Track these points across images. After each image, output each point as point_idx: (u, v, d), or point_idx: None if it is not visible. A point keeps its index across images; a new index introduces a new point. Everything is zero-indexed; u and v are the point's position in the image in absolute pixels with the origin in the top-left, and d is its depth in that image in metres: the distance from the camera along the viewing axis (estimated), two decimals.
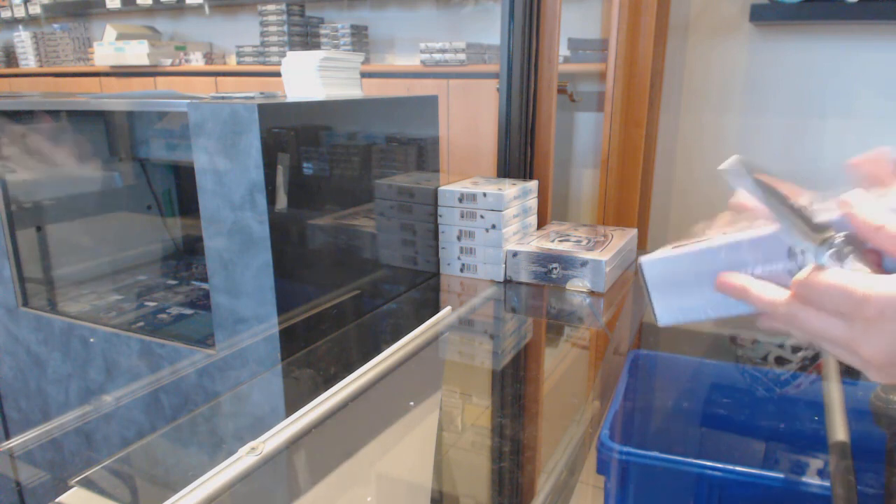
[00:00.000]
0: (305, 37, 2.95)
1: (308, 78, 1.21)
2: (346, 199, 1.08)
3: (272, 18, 2.90)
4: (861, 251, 0.40)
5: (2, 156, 1.26)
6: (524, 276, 1.23)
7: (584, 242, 1.26)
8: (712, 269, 0.47)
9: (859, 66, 1.98)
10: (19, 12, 3.81)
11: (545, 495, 0.65)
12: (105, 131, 1.49)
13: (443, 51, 2.49)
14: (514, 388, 0.96)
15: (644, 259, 0.52)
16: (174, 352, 1.09)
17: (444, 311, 1.09)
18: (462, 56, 2.47)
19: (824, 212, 0.42)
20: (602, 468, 0.68)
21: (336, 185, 1.05)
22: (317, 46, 2.92)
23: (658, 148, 2.29)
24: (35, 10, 3.75)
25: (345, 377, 0.82)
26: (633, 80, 1.97)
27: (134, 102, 1.30)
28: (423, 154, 1.29)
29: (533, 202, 1.37)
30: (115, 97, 1.31)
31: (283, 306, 0.94)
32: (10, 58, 4.00)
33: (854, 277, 0.39)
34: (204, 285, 1.42)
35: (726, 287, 0.47)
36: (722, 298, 0.47)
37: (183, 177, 1.65)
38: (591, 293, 1.18)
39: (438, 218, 1.28)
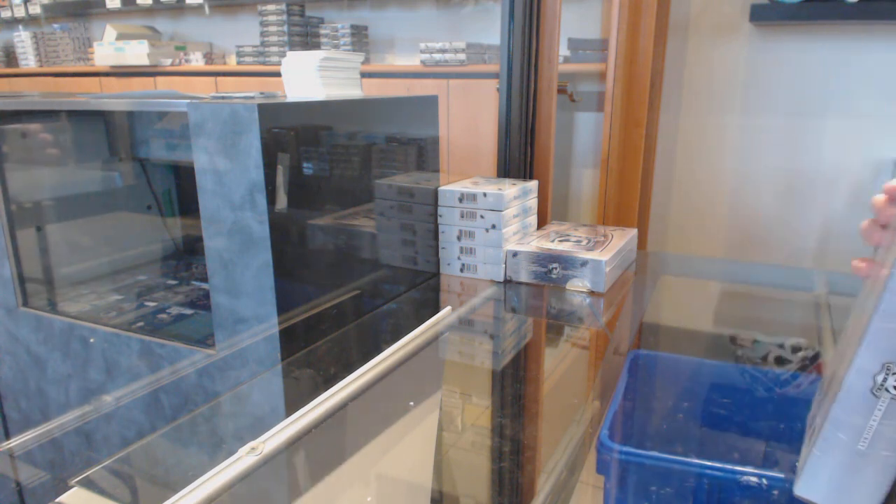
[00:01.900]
0: (305, 37, 2.95)
1: (308, 78, 1.21)
2: (346, 199, 1.08)
3: (272, 18, 2.90)
4: None
5: (2, 155, 1.26)
6: (524, 276, 1.23)
7: (584, 242, 1.26)
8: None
9: (859, 66, 1.98)
10: (19, 12, 3.81)
11: (545, 495, 0.65)
12: (105, 131, 1.49)
13: (443, 51, 2.49)
14: (514, 388, 0.96)
15: (798, 489, 0.46)
16: (174, 352, 1.09)
17: (444, 311, 1.09)
18: (462, 56, 2.47)
19: None
20: (602, 468, 0.68)
21: (336, 185, 1.05)
22: (317, 46, 2.92)
23: (658, 148, 2.29)
24: (35, 10, 3.75)
25: (345, 377, 0.82)
26: (633, 80, 1.97)
27: (134, 102, 1.30)
28: (423, 154, 1.29)
29: (533, 202, 1.37)
30: (115, 97, 1.31)
31: (283, 306, 0.94)
32: (10, 58, 4.00)
33: None
34: (204, 285, 1.42)
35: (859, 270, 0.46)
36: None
37: (183, 177, 1.65)
38: (591, 293, 1.18)
39: (438, 218, 1.28)
